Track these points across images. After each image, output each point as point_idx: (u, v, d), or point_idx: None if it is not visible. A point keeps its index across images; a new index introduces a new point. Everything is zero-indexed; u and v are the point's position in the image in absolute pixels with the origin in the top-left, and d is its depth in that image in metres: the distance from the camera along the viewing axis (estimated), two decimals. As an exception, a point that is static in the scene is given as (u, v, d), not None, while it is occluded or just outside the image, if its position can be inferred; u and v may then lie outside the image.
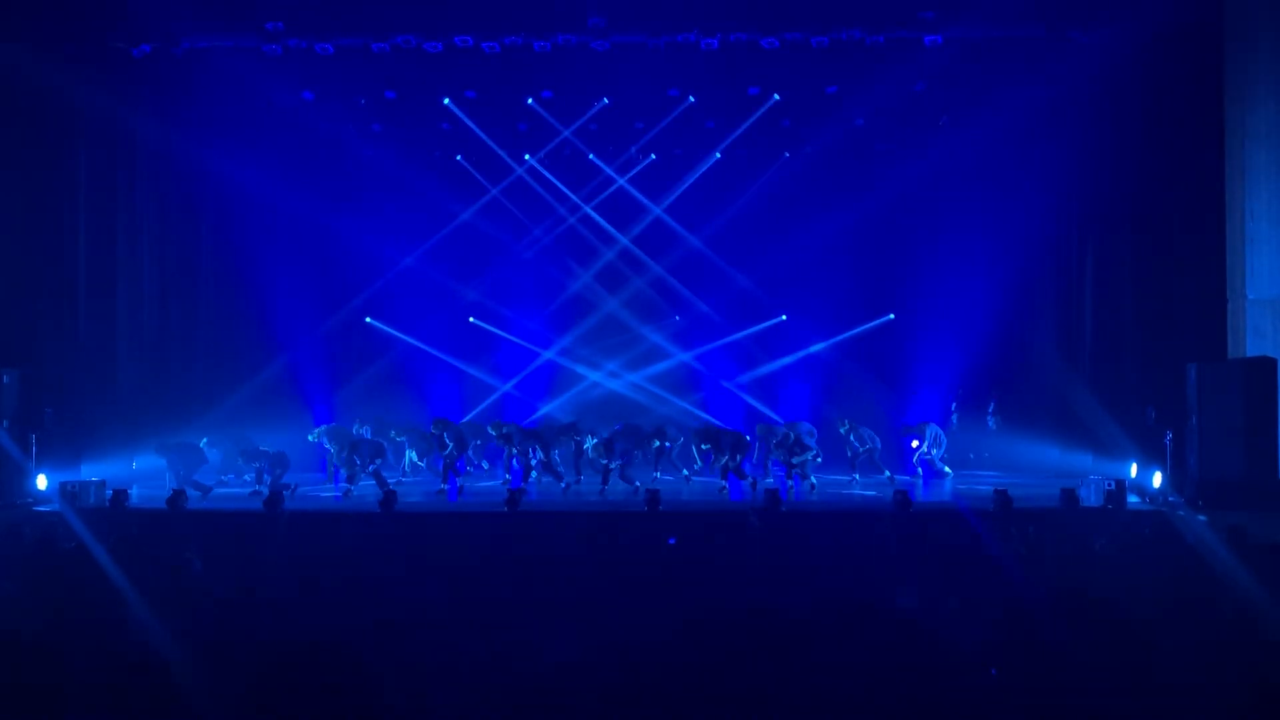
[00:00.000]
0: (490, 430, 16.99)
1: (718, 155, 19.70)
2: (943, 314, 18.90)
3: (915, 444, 17.93)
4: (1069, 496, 13.28)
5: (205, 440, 16.71)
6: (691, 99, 18.64)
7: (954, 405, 18.97)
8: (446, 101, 18.72)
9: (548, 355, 20.49)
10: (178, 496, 13.33)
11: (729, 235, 20.03)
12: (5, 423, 14.76)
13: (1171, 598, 7.96)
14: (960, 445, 18.62)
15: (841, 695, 5.97)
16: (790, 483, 15.86)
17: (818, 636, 6.48)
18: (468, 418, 19.57)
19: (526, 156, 19.89)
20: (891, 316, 19.72)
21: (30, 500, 14.52)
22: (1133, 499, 13.94)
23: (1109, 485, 13.47)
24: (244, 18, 16.59)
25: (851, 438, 16.91)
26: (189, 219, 19.26)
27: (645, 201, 20.13)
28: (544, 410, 20.09)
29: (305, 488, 16.25)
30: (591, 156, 19.89)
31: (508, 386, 20.38)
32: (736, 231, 19.98)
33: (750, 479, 15.66)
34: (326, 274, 19.87)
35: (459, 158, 19.89)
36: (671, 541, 11.31)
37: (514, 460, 16.92)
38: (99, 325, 17.44)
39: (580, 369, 20.34)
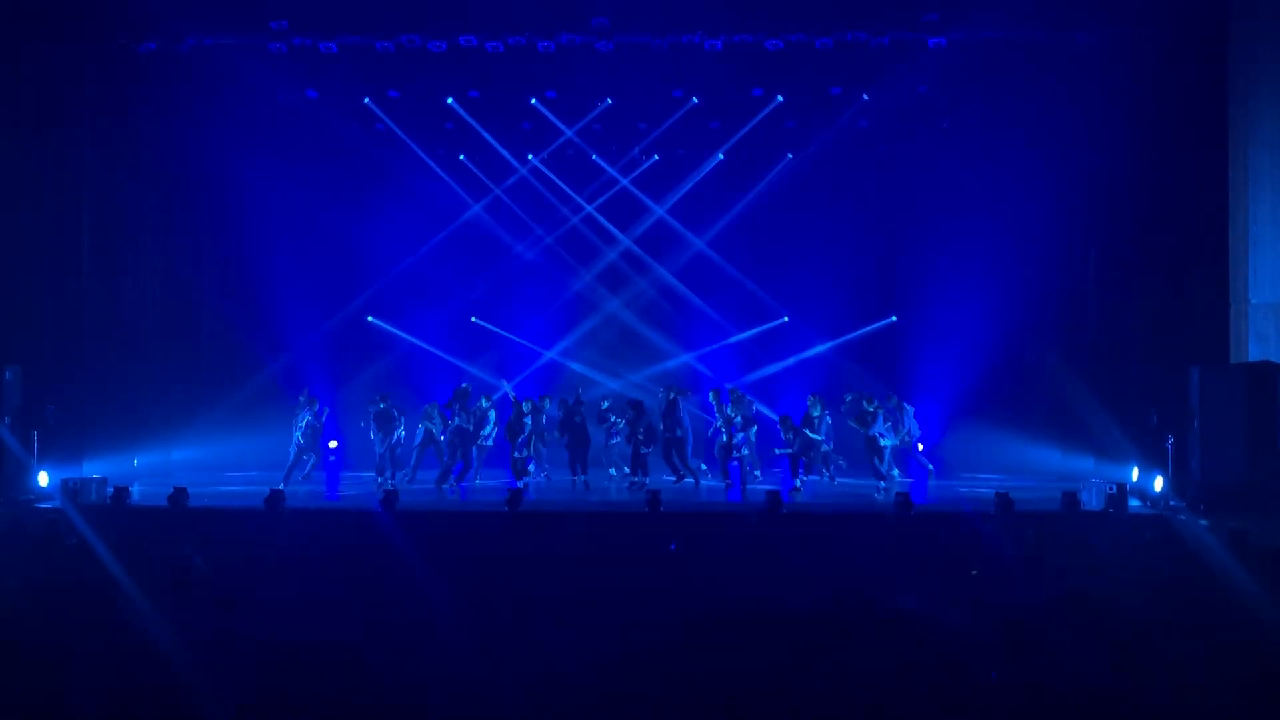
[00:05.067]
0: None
1: (721, 156, 19.70)
2: (946, 316, 18.87)
3: (920, 447, 17.93)
4: (1070, 500, 13.27)
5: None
6: (695, 100, 18.64)
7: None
8: (450, 101, 18.73)
9: (549, 355, 20.48)
10: (179, 494, 13.34)
11: (731, 236, 20.03)
12: (7, 419, 14.78)
13: (1173, 601, 7.96)
14: (957, 450, 18.66)
15: (841, 696, 5.97)
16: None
17: (817, 638, 6.49)
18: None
19: (530, 156, 19.88)
20: (894, 319, 19.71)
21: (32, 497, 14.54)
22: (1134, 503, 13.93)
23: (1110, 489, 13.46)
24: (249, 16, 16.61)
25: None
26: (192, 216, 19.29)
27: (648, 202, 20.13)
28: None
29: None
30: (595, 157, 19.89)
31: (508, 387, 20.35)
32: (739, 232, 19.98)
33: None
34: (329, 272, 19.86)
35: (462, 157, 19.89)
36: (673, 547, 11.30)
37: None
38: (101, 323, 17.45)
39: (581, 369, 20.32)
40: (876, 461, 16.30)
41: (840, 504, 15.21)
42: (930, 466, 17.31)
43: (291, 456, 17.00)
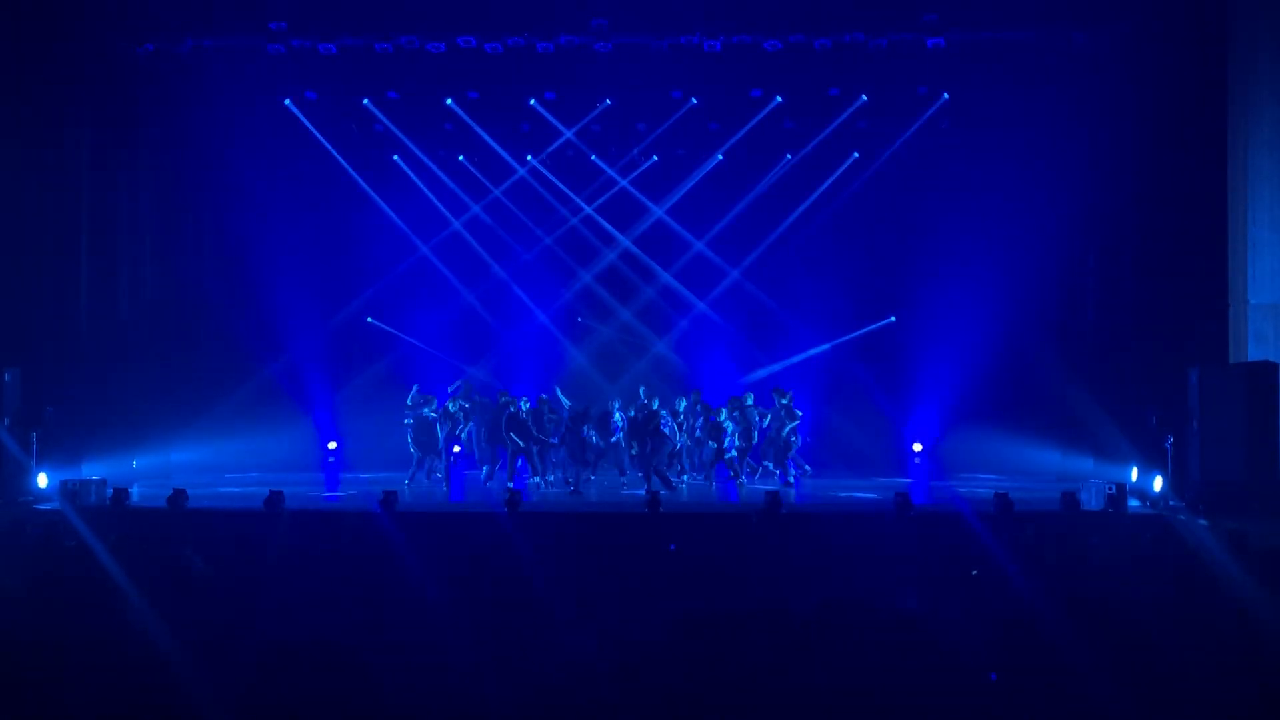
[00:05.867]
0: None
1: (719, 157, 19.70)
2: (945, 316, 18.88)
3: (918, 447, 18.01)
4: (1070, 500, 13.27)
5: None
6: (694, 101, 18.65)
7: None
8: (449, 102, 18.73)
9: (548, 355, 20.47)
10: (178, 495, 13.33)
11: (730, 237, 20.03)
12: (6, 421, 14.77)
13: (1173, 601, 7.96)
14: (957, 450, 18.68)
15: (841, 696, 5.97)
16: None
17: (817, 638, 6.48)
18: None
19: (529, 157, 19.88)
20: (893, 319, 19.72)
21: (31, 498, 14.53)
22: (1133, 503, 13.94)
23: (1110, 489, 13.46)
24: (248, 17, 16.62)
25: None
26: (192, 217, 19.28)
27: (647, 203, 20.12)
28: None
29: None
30: (594, 158, 19.89)
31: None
32: (738, 233, 19.99)
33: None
34: (328, 273, 19.87)
35: (461, 158, 19.90)
36: (672, 548, 11.30)
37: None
38: (101, 324, 17.45)
39: (580, 366, 20.32)
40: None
41: (839, 504, 15.21)
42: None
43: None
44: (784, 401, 17.07)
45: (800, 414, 17.29)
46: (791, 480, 16.86)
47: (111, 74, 17.24)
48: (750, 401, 16.91)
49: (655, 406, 16.53)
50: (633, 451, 16.63)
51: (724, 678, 6.04)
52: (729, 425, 16.33)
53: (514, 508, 13.09)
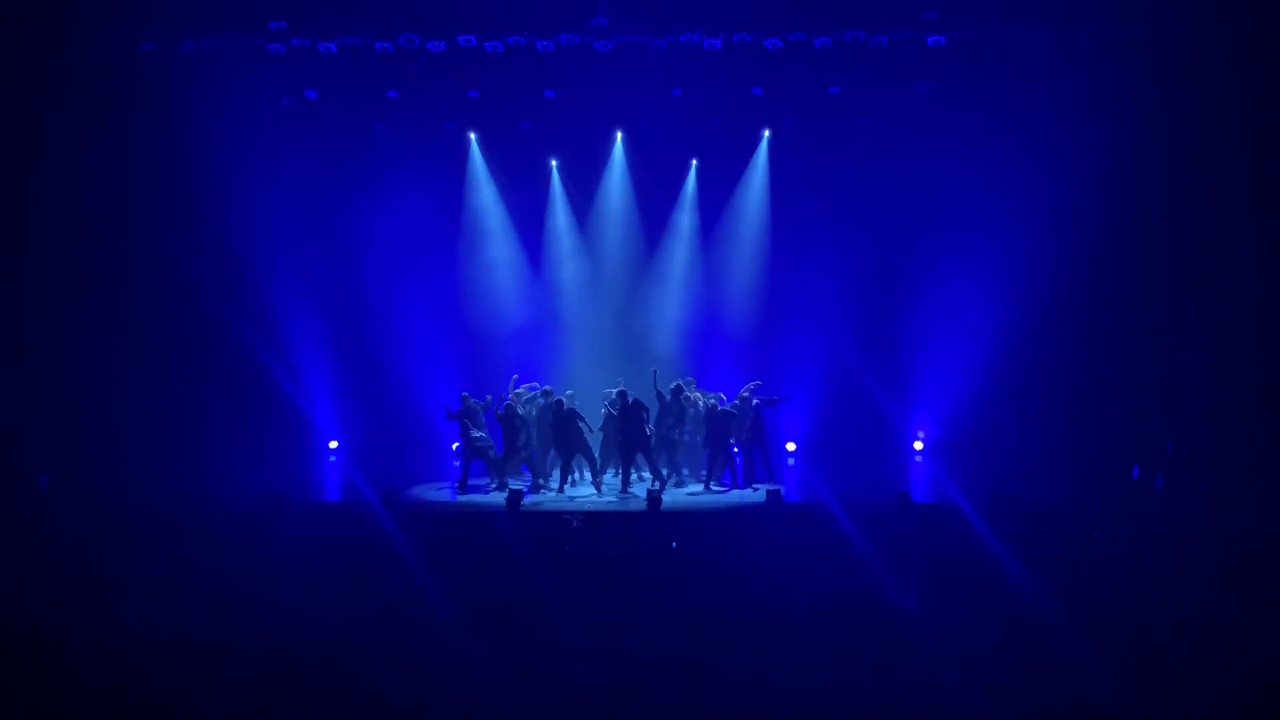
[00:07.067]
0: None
1: (719, 156, 19.67)
2: (946, 314, 18.86)
3: (919, 443, 18.00)
4: (1068, 498, 13.28)
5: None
6: (694, 99, 18.62)
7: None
8: (449, 100, 18.73)
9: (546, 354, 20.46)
10: (180, 497, 13.32)
11: (730, 235, 20.03)
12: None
13: (1172, 601, 7.97)
14: (957, 449, 18.69)
15: (841, 695, 5.98)
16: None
17: (818, 637, 6.50)
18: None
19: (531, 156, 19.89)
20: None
21: (32, 498, 14.55)
22: (1134, 501, 13.94)
23: (1111, 487, 13.47)
24: (248, 16, 16.62)
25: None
26: (191, 217, 19.25)
27: (648, 201, 20.11)
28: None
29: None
30: (596, 155, 19.88)
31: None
32: (737, 231, 19.98)
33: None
34: (328, 272, 19.82)
35: (465, 154, 19.90)
36: (674, 546, 11.31)
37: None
38: (100, 324, 17.43)
39: (579, 367, 20.30)
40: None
41: (839, 501, 15.18)
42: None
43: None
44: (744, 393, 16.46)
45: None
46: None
47: (111, 74, 17.22)
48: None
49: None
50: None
51: (724, 677, 6.04)
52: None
53: (514, 507, 13.09)
